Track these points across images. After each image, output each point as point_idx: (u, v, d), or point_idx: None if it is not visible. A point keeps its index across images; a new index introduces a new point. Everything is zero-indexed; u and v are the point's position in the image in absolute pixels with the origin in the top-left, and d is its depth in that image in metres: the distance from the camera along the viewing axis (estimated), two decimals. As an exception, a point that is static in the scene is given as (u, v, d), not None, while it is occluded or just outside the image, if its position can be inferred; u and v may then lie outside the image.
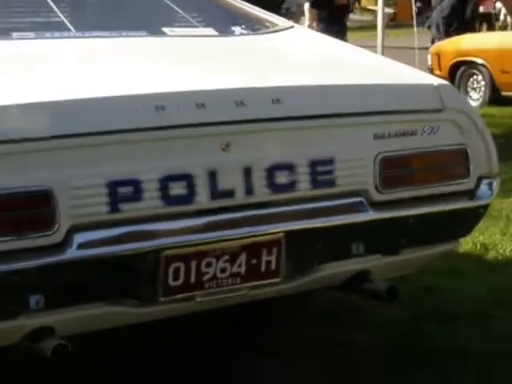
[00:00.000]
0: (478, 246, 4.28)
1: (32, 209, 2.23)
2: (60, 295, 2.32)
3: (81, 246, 2.30)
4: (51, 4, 3.08)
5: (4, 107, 2.22)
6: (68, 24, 3.05)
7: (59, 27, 3.04)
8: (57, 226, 2.26)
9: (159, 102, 2.39)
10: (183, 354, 3.14)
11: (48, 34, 3.00)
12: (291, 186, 2.58)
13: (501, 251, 4.25)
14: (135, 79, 2.56)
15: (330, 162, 2.62)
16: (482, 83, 10.07)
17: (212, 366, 3.04)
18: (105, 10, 3.34)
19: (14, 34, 2.92)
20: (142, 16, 3.28)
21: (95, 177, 2.31)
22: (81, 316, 2.39)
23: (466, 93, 10.05)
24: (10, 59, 2.69)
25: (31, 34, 2.95)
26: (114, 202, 2.33)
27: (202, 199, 2.46)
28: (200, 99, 2.45)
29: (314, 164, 2.60)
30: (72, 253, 2.29)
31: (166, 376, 2.99)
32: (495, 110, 8.97)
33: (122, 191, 2.34)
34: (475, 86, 10.17)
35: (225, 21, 3.31)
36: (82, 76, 2.55)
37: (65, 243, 2.28)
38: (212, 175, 2.46)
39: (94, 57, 2.80)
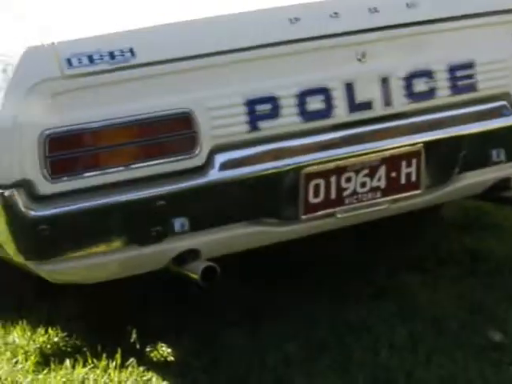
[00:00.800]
0: None
1: (174, 132, 2.19)
2: (204, 217, 2.29)
3: (223, 167, 2.26)
4: None
5: (141, 29, 2.17)
6: None
7: None
8: (199, 148, 2.23)
9: (293, 14, 2.31)
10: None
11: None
12: (430, 93, 2.48)
13: None
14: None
15: (470, 65, 2.51)
16: None
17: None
18: None
19: None
20: None
21: (234, 96, 2.25)
22: (224, 237, 2.37)
23: None
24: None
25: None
26: (253, 120, 2.28)
27: (340, 113, 2.38)
28: (333, 8, 2.36)
29: (453, 69, 2.49)
30: (215, 174, 2.26)
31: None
32: None
33: (260, 109, 2.29)
34: None
35: None
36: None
37: (207, 165, 2.25)
38: (349, 87, 2.38)
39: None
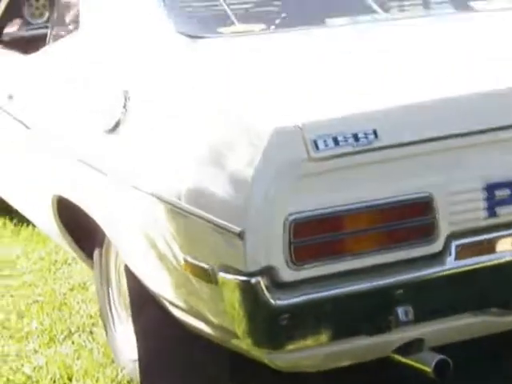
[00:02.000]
0: None
1: (414, 217, 2.08)
2: (432, 306, 2.17)
3: (459, 255, 2.14)
4: None
5: (384, 111, 2.08)
6: (375, 6, 2.89)
7: (367, 10, 2.89)
8: (437, 235, 2.11)
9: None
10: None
11: (361, 18, 2.84)
12: None
13: None
14: (493, 69, 2.35)
15: None
16: None
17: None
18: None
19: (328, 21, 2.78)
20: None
21: (474, 180, 2.14)
22: (448, 327, 2.23)
23: None
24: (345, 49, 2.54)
25: (344, 20, 2.80)
26: (491, 206, 2.16)
27: None
28: None
29: None
30: (450, 262, 2.13)
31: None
32: None
33: (499, 194, 2.16)
34: None
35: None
36: (434, 69, 2.36)
37: (444, 253, 2.13)
38: None
39: (425, 43, 2.61)
